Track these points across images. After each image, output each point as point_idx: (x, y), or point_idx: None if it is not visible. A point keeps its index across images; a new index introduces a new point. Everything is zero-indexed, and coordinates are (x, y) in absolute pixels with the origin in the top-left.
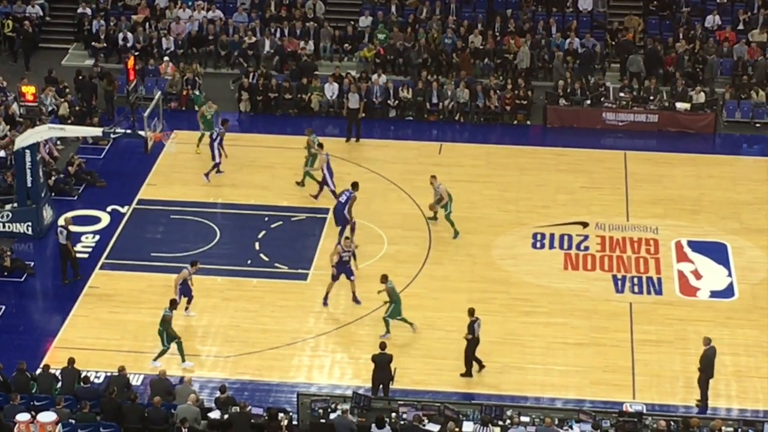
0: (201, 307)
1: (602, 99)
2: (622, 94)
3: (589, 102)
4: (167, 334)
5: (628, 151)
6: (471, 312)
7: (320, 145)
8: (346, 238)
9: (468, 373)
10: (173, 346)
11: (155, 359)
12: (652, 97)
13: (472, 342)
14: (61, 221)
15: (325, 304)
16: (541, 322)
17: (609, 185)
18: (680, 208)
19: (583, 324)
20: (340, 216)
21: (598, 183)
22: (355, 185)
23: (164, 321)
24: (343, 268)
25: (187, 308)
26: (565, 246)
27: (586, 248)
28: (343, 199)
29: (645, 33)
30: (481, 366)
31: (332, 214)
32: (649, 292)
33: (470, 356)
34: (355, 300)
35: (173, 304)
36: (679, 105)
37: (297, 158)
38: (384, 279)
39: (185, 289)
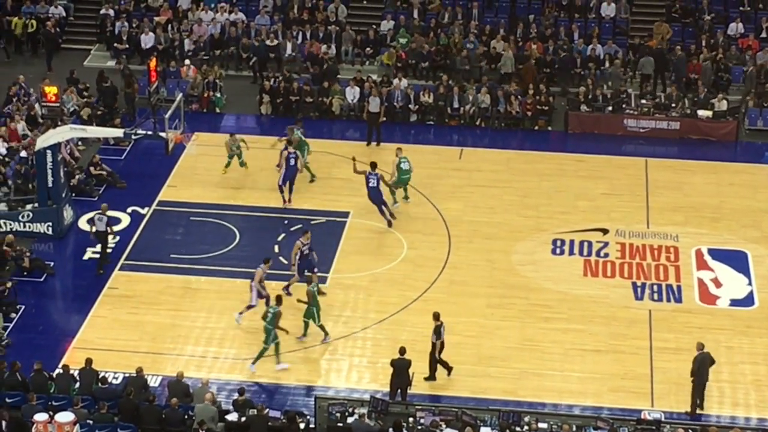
0: (219, 309)
1: (624, 106)
2: (643, 101)
3: (610, 108)
4: (273, 332)
5: (649, 158)
6: (436, 316)
7: (290, 142)
8: (305, 232)
9: (432, 377)
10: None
11: (254, 362)
12: (673, 105)
13: (439, 346)
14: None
15: (288, 293)
16: (559, 328)
17: (629, 192)
18: (701, 216)
19: (602, 331)
20: (377, 199)
21: (618, 190)
22: (373, 165)
23: (275, 317)
24: (305, 261)
25: (242, 312)
26: (585, 252)
27: (606, 255)
28: (372, 183)
29: (669, 40)
30: (449, 369)
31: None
32: (668, 300)
33: (435, 360)
34: (287, 289)
35: (279, 299)
36: (701, 112)
37: (317, 161)
38: (308, 281)
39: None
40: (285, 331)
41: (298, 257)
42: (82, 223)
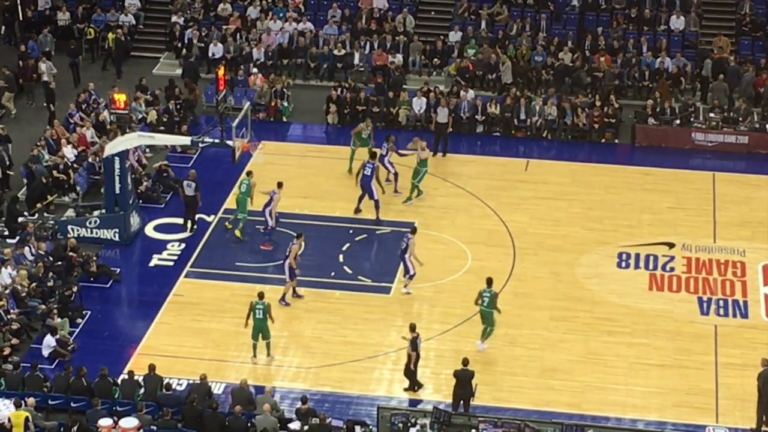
0: (283, 317)
1: (692, 119)
2: (712, 115)
3: (678, 122)
4: (493, 313)
5: (716, 172)
6: (413, 327)
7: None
8: (299, 235)
9: (412, 387)
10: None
11: (483, 341)
12: (742, 119)
13: (414, 358)
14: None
15: (286, 303)
16: (623, 342)
17: (696, 206)
18: None
19: (667, 345)
20: (366, 186)
21: (685, 203)
22: (373, 155)
23: (492, 299)
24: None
25: (406, 285)
26: (651, 266)
27: (672, 269)
28: (368, 171)
29: (736, 53)
30: (419, 386)
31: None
32: (734, 315)
33: (413, 371)
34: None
35: (490, 281)
36: None
37: (383, 172)
38: (260, 296)
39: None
40: (498, 311)
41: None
42: (149, 230)
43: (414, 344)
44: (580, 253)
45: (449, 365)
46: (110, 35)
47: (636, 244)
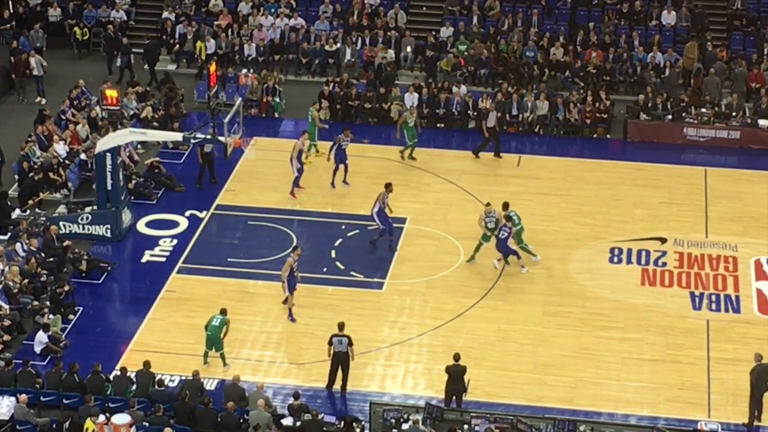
0: (276, 313)
1: (684, 114)
2: (703, 110)
3: (670, 117)
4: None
5: (708, 168)
6: (340, 326)
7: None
8: (296, 248)
9: (330, 386)
10: None
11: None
12: (734, 114)
13: (333, 356)
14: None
15: (292, 320)
16: (616, 337)
17: (688, 201)
18: (760, 226)
19: (659, 340)
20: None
21: (677, 199)
22: (508, 218)
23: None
24: (292, 279)
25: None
26: (643, 261)
27: (664, 264)
28: (503, 235)
29: (729, 48)
30: (330, 384)
31: None
32: (726, 310)
33: (332, 369)
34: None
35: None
36: (762, 122)
37: (375, 167)
38: (222, 312)
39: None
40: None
41: (288, 274)
42: (141, 226)
43: (330, 341)
44: (573, 249)
45: (441, 361)
46: (198, 43)
47: (628, 239)
